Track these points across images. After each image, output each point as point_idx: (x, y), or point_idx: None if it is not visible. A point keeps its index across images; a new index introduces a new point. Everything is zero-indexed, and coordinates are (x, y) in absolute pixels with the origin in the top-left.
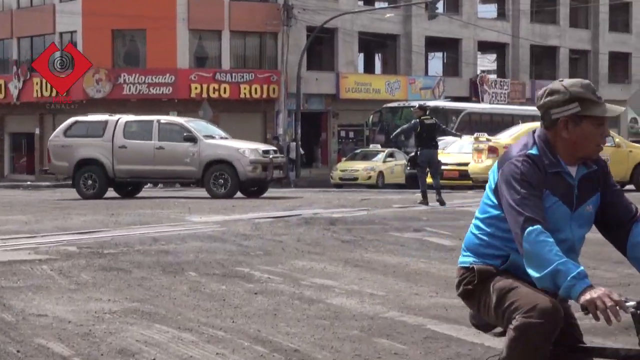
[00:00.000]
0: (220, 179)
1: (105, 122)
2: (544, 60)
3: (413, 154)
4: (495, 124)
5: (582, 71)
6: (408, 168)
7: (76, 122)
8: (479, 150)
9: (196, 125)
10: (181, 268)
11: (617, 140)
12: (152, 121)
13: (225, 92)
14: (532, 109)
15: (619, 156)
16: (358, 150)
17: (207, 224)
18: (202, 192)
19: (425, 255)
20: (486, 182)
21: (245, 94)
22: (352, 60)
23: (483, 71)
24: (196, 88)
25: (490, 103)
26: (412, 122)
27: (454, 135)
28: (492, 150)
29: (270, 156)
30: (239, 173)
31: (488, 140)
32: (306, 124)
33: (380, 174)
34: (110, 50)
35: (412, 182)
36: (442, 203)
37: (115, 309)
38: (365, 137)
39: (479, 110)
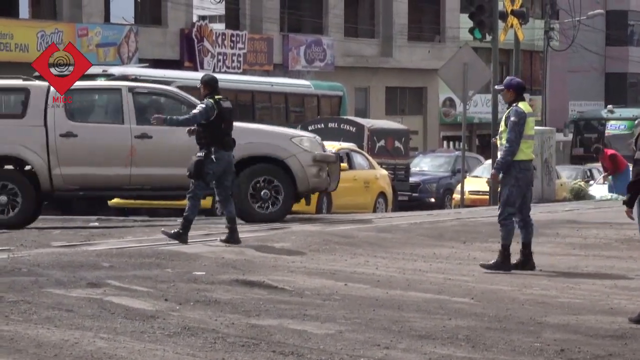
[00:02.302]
0: (265, 189)
1: (27, 92)
2: (303, 1)
3: (200, 155)
4: None
5: (365, 19)
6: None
7: None
8: None
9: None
10: None
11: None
12: (119, 89)
13: None
14: (293, 84)
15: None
16: None
17: None
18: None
19: (107, 328)
20: None
21: None
22: None
23: (203, 17)
24: None
25: (214, 71)
26: (205, 104)
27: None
28: None
29: (334, 149)
30: (298, 180)
31: None
32: None
33: None
34: None
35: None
36: (235, 240)
37: None
38: None
39: (197, 84)
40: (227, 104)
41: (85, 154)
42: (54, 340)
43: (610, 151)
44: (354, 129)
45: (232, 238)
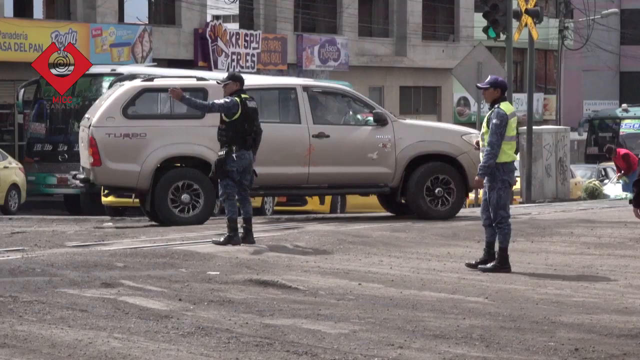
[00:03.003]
0: (438, 187)
1: (205, 92)
2: (317, 1)
3: (221, 154)
4: None
5: (379, 18)
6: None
7: (145, 90)
8: None
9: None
10: None
11: None
12: (293, 88)
13: None
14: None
15: None
16: None
17: None
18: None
19: (121, 327)
20: None
21: None
22: None
23: (217, 17)
24: None
25: (229, 69)
26: (230, 99)
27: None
28: None
29: None
30: (470, 177)
31: None
32: None
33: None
34: None
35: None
36: (250, 240)
37: None
38: (17, 125)
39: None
40: (252, 104)
41: (265, 153)
42: (67, 340)
43: (622, 150)
44: None
45: (247, 238)
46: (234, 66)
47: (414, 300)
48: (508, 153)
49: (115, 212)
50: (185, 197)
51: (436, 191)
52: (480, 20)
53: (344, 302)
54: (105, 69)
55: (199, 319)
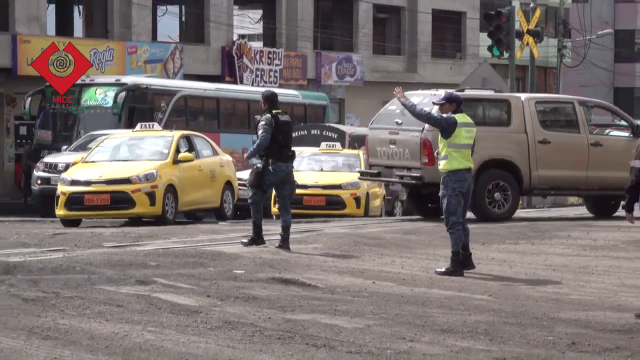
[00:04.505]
0: None
1: (508, 103)
2: (335, 20)
3: (259, 167)
4: (226, 113)
5: (392, 38)
6: (248, 188)
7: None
8: None
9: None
10: None
11: None
12: (571, 102)
13: None
14: (283, 94)
15: None
16: None
17: None
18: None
19: (154, 322)
20: None
21: None
22: (37, 15)
23: (242, 36)
24: None
25: (253, 84)
26: (264, 118)
27: None
28: None
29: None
30: None
31: None
32: None
33: None
34: None
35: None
36: (286, 248)
37: None
38: None
39: (200, 92)
40: (284, 118)
41: (556, 158)
42: (105, 333)
43: None
44: (336, 135)
45: (284, 245)
46: (257, 81)
47: (423, 298)
48: (460, 160)
49: (71, 223)
50: (497, 195)
51: None
52: (485, 40)
53: (359, 299)
54: (110, 79)
55: (225, 314)
